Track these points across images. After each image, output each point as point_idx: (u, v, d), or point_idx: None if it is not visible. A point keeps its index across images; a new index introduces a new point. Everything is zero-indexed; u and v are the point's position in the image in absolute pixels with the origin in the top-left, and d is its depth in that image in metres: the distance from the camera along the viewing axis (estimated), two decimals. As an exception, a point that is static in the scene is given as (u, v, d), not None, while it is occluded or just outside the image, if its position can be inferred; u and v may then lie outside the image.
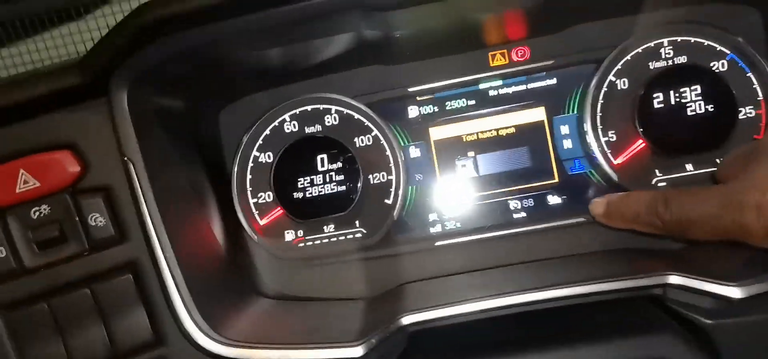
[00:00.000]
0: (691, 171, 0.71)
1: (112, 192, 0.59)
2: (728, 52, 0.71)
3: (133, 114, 0.59)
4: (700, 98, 0.70)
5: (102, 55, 0.57)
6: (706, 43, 0.72)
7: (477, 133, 0.75)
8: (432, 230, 0.75)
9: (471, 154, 0.75)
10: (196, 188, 0.69)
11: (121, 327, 0.58)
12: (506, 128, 0.75)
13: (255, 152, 0.75)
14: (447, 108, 0.76)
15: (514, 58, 0.75)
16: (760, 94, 0.71)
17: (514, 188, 0.74)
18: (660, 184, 0.71)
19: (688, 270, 0.58)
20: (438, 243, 0.74)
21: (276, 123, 0.76)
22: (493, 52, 0.75)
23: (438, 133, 0.75)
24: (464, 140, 0.75)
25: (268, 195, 0.75)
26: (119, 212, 0.59)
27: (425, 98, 0.76)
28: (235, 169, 0.75)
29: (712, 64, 0.71)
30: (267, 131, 0.75)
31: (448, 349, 0.62)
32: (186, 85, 0.68)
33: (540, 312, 0.61)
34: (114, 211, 0.59)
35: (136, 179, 0.58)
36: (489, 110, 0.75)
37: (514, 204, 0.74)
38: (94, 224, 0.58)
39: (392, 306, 0.64)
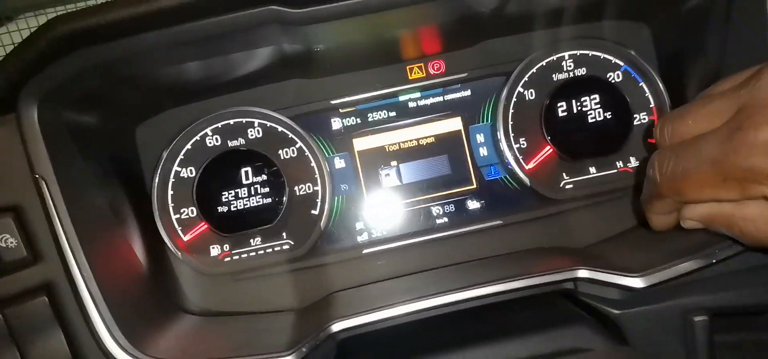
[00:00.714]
0: (594, 173, 0.77)
1: (24, 212, 0.56)
2: (622, 64, 0.78)
3: (45, 130, 0.57)
4: (598, 106, 0.77)
5: (11, 70, 0.54)
6: (602, 57, 0.78)
7: (399, 143, 0.77)
8: (359, 238, 0.77)
9: (394, 163, 0.77)
10: (115, 205, 0.67)
11: (37, 352, 0.55)
12: (426, 137, 0.78)
13: (176, 168, 0.74)
14: (369, 120, 0.78)
15: (431, 71, 0.78)
16: (652, 102, 0.78)
17: (436, 194, 0.77)
18: (567, 186, 0.77)
19: (595, 265, 0.63)
20: (365, 251, 0.76)
21: (197, 137, 0.75)
22: (411, 66, 0.78)
23: (361, 144, 0.77)
24: (387, 150, 0.77)
25: (192, 210, 0.73)
26: (32, 232, 0.56)
27: (348, 110, 0.78)
28: (156, 185, 0.73)
29: (608, 76, 0.78)
30: (188, 146, 0.74)
31: (377, 353, 0.63)
32: (99, 101, 0.66)
33: (464, 313, 0.64)
34: (26, 231, 0.56)
35: (50, 198, 0.56)
36: (409, 120, 0.78)
37: (436, 210, 0.77)
38: (4, 245, 0.55)
39: (321, 315, 0.65)
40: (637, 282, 0.60)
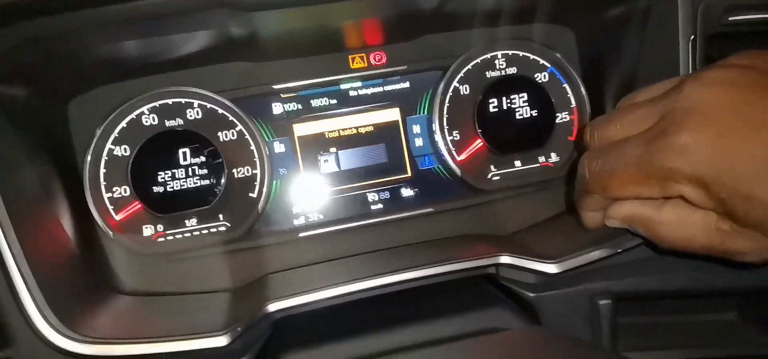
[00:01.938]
0: (519, 167, 0.82)
1: (-53, 189, 0.54)
2: (549, 65, 0.84)
3: (-29, 105, 0.54)
4: (526, 104, 0.82)
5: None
6: (531, 57, 0.83)
7: (338, 130, 0.79)
8: (296, 222, 0.78)
9: (333, 150, 0.79)
10: (45, 182, 0.65)
11: (-37, 333, 0.53)
12: (365, 126, 0.80)
13: (110, 145, 0.72)
14: (310, 106, 0.79)
15: (372, 62, 0.81)
16: (573, 102, 0.84)
17: (372, 181, 0.79)
18: (494, 178, 0.82)
19: (516, 251, 0.68)
20: (301, 235, 0.77)
21: (133, 116, 0.73)
22: (353, 56, 0.80)
23: (302, 129, 0.78)
24: (326, 136, 0.79)
25: (125, 189, 0.72)
26: (-44, 209, 0.54)
27: (289, 95, 0.78)
28: (88, 163, 0.72)
29: (536, 76, 0.83)
30: (123, 124, 0.73)
31: (310, 334, 0.64)
32: (31, 76, 0.64)
33: (394, 296, 0.67)
34: (-48, 208, 0.54)
35: None
36: (349, 109, 0.80)
37: (371, 197, 0.80)
38: (-72, 222, 0.53)
39: (257, 296, 0.66)
40: (551, 268, 0.65)
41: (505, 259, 0.67)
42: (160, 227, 0.73)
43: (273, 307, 0.62)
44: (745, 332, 0.76)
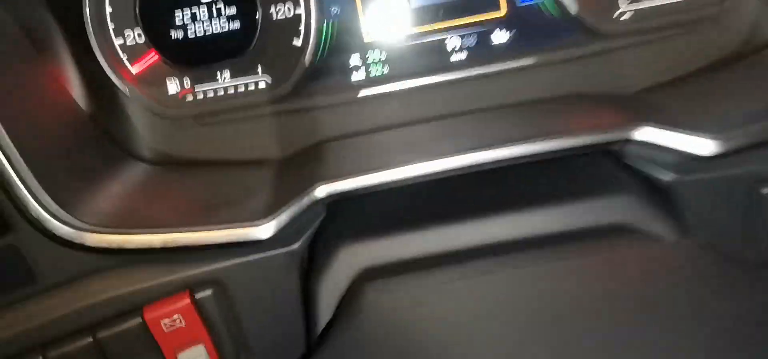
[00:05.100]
0: None
1: None
2: None
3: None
4: None
5: None
6: None
7: (409, -49, 0.63)
8: (354, 76, 0.66)
9: (401, -21, 0.64)
10: (31, 27, 0.54)
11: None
12: (445, -57, 0.63)
13: (114, -24, 0.61)
14: None
15: None
16: None
17: (453, 23, 0.65)
18: (624, 16, 0.63)
19: (656, 122, 0.51)
20: (362, 93, 0.66)
21: (141, -64, 0.60)
22: None
23: (359, -49, 0.63)
24: (393, -40, 0.63)
25: (138, 34, 0.61)
26: None
27: None
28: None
29: None
30: (128, -53, 0.60)
31: (373, 219, 0.55)
32: None
33: (483, 174, 0.54)
34: None
35: None
36: None
37: (452, 43, 0.65)
38: None
39: (306, 172, 0.57)
40: (708, 146, 0.49)
41: (641, 135, 0.51)
42: (186, 83, 0.63)
43: (324, 191, 0.52)
44: None
